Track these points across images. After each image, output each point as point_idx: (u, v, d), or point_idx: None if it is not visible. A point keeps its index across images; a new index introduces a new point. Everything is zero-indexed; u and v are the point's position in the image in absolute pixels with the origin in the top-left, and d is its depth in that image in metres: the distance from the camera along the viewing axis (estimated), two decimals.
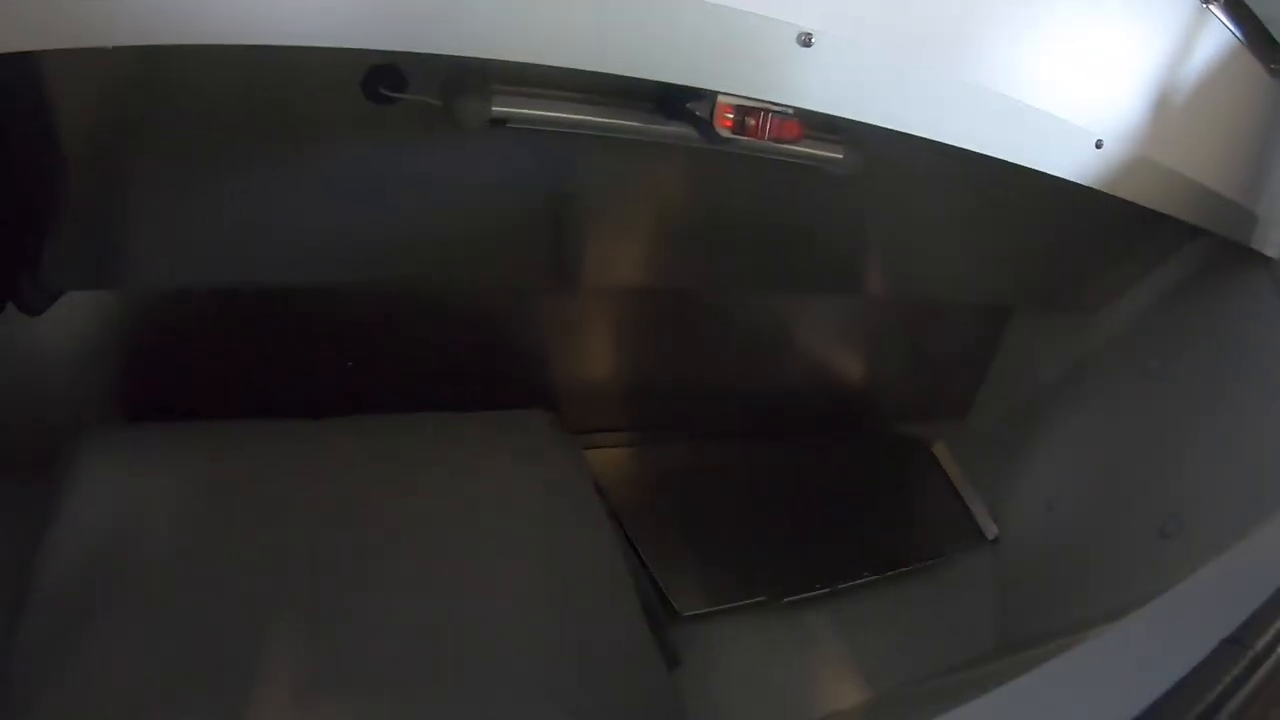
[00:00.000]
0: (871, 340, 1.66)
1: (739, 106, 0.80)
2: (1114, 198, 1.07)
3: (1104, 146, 1.01)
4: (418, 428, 1.17)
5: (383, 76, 0.83)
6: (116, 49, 0.53)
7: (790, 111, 0.82)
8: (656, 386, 1.46)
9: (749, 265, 1.33)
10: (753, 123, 0.80)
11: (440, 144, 0.96)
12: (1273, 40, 1.17)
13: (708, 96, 0.80)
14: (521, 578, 1.04)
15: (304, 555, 0.97)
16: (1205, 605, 0.67)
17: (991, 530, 1.69)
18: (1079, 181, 1.01)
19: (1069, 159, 1.00)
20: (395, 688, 0.90)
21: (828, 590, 1.39)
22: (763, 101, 0.80)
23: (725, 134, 0.80)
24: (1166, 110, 1.08)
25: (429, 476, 1.11)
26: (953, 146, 0.89)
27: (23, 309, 0.93)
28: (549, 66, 0.65)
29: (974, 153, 0.91)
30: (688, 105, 0.82)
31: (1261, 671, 0.53)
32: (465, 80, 0.83)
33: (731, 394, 1.54)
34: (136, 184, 0.92)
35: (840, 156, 0.98)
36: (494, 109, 0.83)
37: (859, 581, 1.44)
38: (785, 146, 0.90)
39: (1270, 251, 1.26)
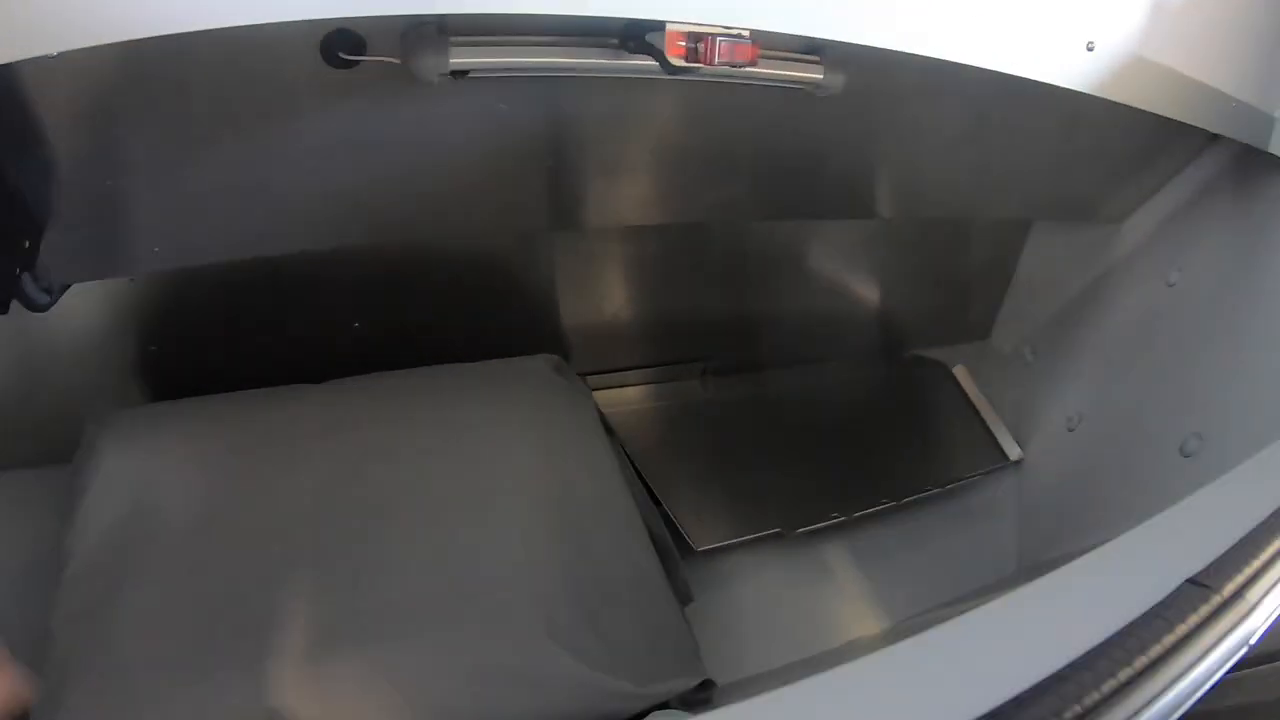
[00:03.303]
0: (888, 264, 1.63)
1: (690, 34, 0.77)
2: (1126, 106, 1.03)
3: (1095, 49, 0.97)
4: (425, 381, 1.18)
5: (340, 41, 0.82)
6: None
7: (746, 35, 0.79)
8: (668, 324, 1.45)
9: (756, 195, 1.30)
10: (704, 49, 0.77)
11: (419, 101, 0.95)
12: None
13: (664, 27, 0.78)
14: (528, 521, 1.04)
15: (318, 513, 1.00)
16: (1172, 543, 0.65)
17: (1015, 452, 1.67)
18: (1072, 87, 0.97)
19: (1059, 65, 0.97)
20: (403, 635, 0.91)
21: (844, 519, 1.38)
22: (714, 26, 0.77)
23: (679, 63, 0.78)
24: (1162, 8, 1.02)
25: (437, 428, 1.11)
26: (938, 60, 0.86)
27: (29, 307, 0.95)
28: (506, 14, 0.63)
29: (964, 67, 0.88)
30: (647, 38, 0.79)
31: (1228, 614, 0.51)
32: (421, 35, 0.81)
33: (744, 327, 1.52)
34: (120, 172, 0.92)
35: (820, 78, 0.95)
36: (452, 61, 0.82)
37: (876, 509, 1.44)
38: (762, 71, 0.88)
39: None
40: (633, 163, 1.19)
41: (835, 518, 1.37)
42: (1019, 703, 0.42)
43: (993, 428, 1.71)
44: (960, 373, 1.76)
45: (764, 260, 1.47)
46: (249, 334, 1.17)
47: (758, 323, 1.52)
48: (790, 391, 1.56)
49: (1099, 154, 1.40)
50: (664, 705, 0.98)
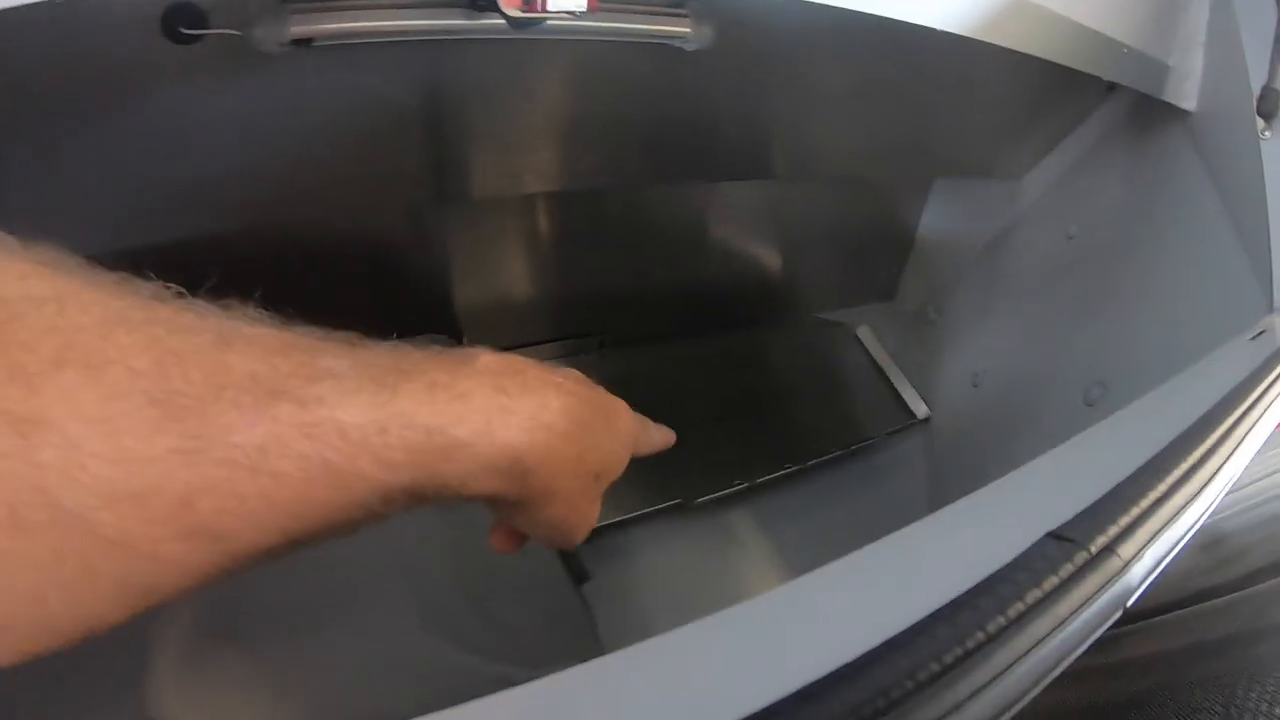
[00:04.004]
0: (788, 228, 1.59)
1: None
2: (1020, 58, 1.01)
3: None
4: None
5: (180, 15, 0.75)
6: None
7: None
8: (563, 297, 1.40)
9: (649, 160, 1.25)
10: None
11: (274, 76, 0.88)
12: None
13: None
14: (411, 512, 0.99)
15: None
16: (1037, 496, 0.63)
17: (922, 410, 1.67)
18: (945, 29, 0.93)
19: (940, 7, 0.92)
20: (276, 632, 0.86)
21: (747, 486, 1.35)
22: None
23: (515, 13, 0.73)
24: None
25: None
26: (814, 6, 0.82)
27: None
28: None
29: (843, 15, 0.84)
30: None
31: (1096, 573, 0.47)
32: (259, 4, 0.75)
33: (643, 297, 1.48)
34: None
35: (687, 30, 0.91)
36: (292, 30, 0.76)
37: (781, 473, 1.41)
38: (623, 25, 0.84)
39: (1185, 104, 1.20)
40: (516, 130, 1.13)
41: (738, 485, 1.34)
42: (860, 665, 0.37)
43: (899, 387, 1.70)
44: (864, 333, 1.75)
45: (661, 228, 1.42)
46: None
47: (656, 292, 1.48)
48: (691, 361, 1.52)
49: (996, 109, 1.39)
50: None
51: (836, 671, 0.36)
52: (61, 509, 0.26)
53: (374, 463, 0.33)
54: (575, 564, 1.12)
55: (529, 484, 0.41)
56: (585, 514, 0.49)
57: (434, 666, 0.88)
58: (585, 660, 0.88)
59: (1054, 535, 0.49)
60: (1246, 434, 0.65)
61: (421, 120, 1.04)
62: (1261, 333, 0.93)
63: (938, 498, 1.57)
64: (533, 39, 0.83)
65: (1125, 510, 0.51)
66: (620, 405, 0.52)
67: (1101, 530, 0.49)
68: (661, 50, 0.95)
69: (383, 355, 0.37)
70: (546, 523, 0.45)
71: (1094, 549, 0.47)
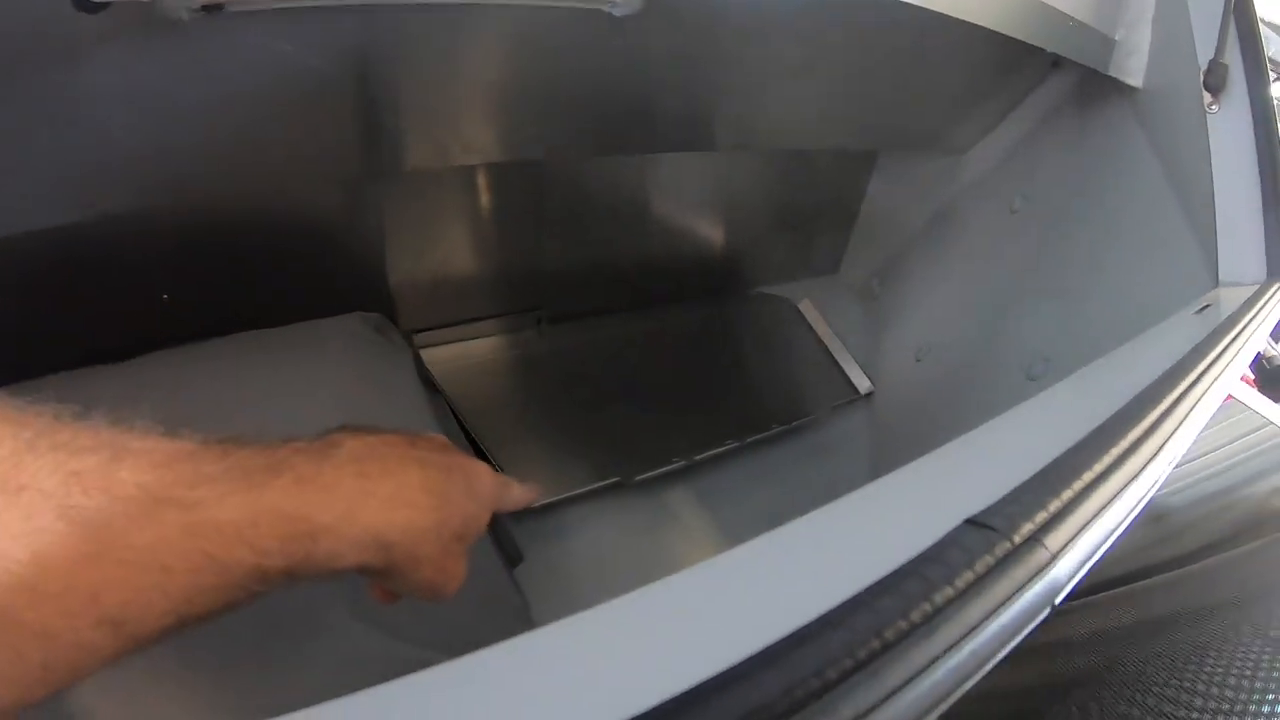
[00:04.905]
0: (730, 201, 1.56)
1: None
2: (966, 30, 0.98)
3: None
4: (229, 352, 1.06)
5: None
6: None
7: None
8: (502, 272, 1.35)
9: (588, 130, 1.21)
10: None
11: (189, 45, 0.83)
12: None
13: None
14: None
15: None
16: (958, 478, 0.57)
17: (865, 385, 1.66)
18: None
19: None
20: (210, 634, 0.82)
21: (686, 463, 1.33)
22: None
23: None
24: None
25: (235, 402, 1.00)
26: None
27: None
28: None
29: None
30: None
31: (1019, 566, 0.42)
32: None
33: (583, 271, 1.44)
34: None
35: None
36: None
37: (720, 450, 1.39)
38: None
39: (1131, 80, 1.18)
40: (446, 101, 1.08)
41: (677, 462, 1.31)
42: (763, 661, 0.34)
43: (841, 362, 1.68)
44: (807, 308, 1.73)
45: (600, 201, 1.38)
46: (37, 315, 1.01)
47: (595, 267, 1.44)
48: (631, 336, 1.49)
49: (941, 82, 1.37)
50: None
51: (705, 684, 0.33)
52: None
53: (250, 551, 0.39)
54: (508, 546, 1.09)
55: (393, 555, 0.47)
56: (451, 573, 0.53)
57: (362, 654, 0.85)
58: None
59: (973, 522, 0.43)
60: (1190, 410, 0.61)
61: (346, 91, 0.98)
62: (1207, 306, 0.92)
63: (879, 475, 1.55)
64: (456, 3, 0.79)
65: (1055, 494, 0.46)
66: (480, 469, 0.58)
67: (1027, 517, 0.44)
68: (591, 16, 0.91)
69: (255, 456, 0.43)
70: (415, 585, 0.51)
71: (1017, 539, 0.42)
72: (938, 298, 1.58)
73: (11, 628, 0.32)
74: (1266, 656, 0.71)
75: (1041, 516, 0.44)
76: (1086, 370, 0.77)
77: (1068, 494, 0.47)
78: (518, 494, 0.67)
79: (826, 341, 1.69)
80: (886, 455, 1.57)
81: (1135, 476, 0.51)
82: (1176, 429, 0.58)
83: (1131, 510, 0.50)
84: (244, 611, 0.41)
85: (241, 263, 1.10)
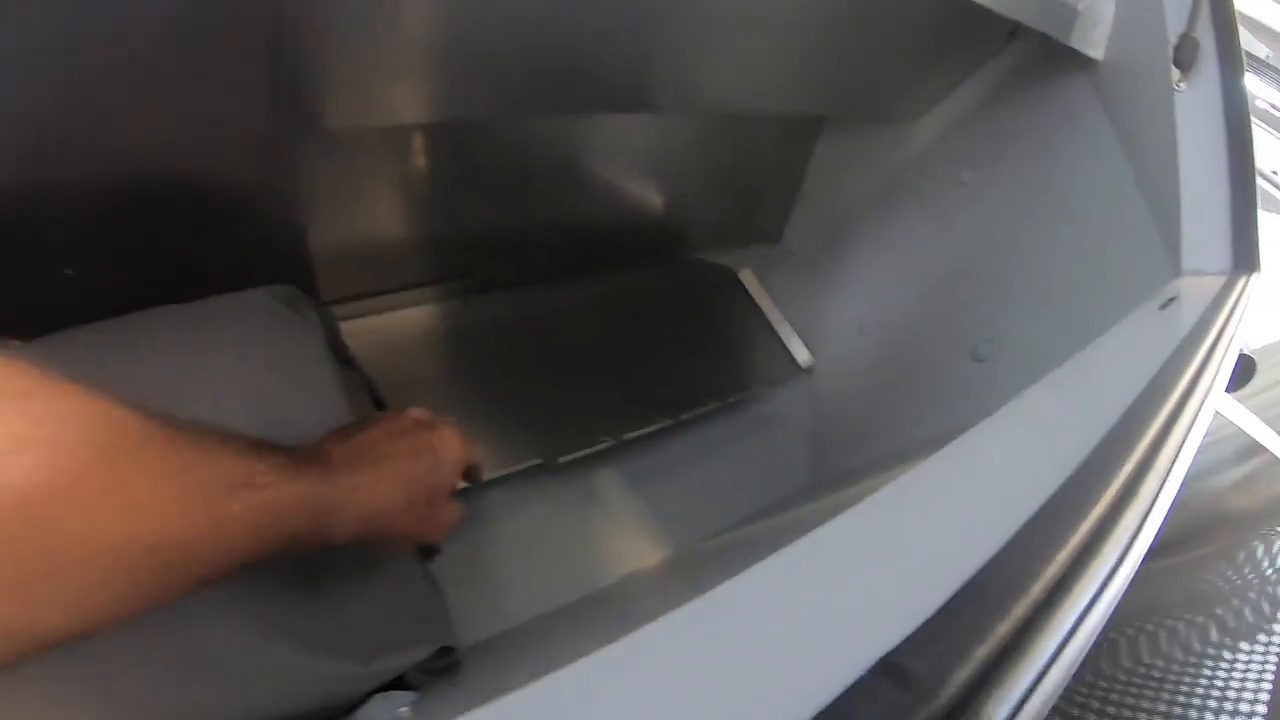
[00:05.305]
0: (672, 165, 1.48)
1: None
2: None
3: None
4: (131, 331, 0.96)
5: None
6: None
7: None
8: (430, 238, 1.26)
9: (522, 88, 1.12)
10: None
11: None
12: None
13: None
14: None
15: None
16: (874, 562, 0.40)
17: (805, 358, 1.60)
18: None
19: None
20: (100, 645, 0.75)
21: (613, 443, 1.26)
22: None
23: None
24: None
25: (138, 379, 0.91)
26: None
27: None
28: None
29: None
30: None
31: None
32: None
33: (517, 236, 1.35)
34: None
35: None
36: None
37: (651, 429, 1.32)
38: None
39: (1092, 52, 1.13)
40: (370, 54, 0.98)
41: (604, 442, 1.24)
42: None
43: (782, 334, 1.63)
44: (747, 277, 1.66)
45: (533, 164, 1.29)
46: None
47: (528, 232, 1.35)
48: (563, 306, 1.41)
49: (894, 47, 1.30)
50: (400, 679, 0.85)
51: None
52: None
53: (286, 525, 0.54)
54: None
55: (375, 530, 0.64)
56: (433, 525, 0.74)
57: (262, 666, 0.77)
58: (432, 644, 0.80)
59: (888, 667, 0.30)
60: (1174, 458, 0.48)
61: (256, 38, 0.88)
62: (1172, 299, 0.86)
63: (819, 453, 1.51)
64: None
65: (1001, 616, 0.33)
66: (444, 441, 0.74)
67: (960, 658, 0.31)
68: None
69: (287, 456, 0.56)
70: (405, 541, 0.72)
71: (943, 699, 0.29)
72: (883, 270, 1.53)
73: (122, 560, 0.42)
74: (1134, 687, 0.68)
75: (978, 655, 0.31)
76: (1045, 386, 0.67)
77: (1015, 613, 0.34)
78: (476, 453, 0.83)
79: (767, 312, 1.63)
80: (825, 434, 1.52)
81: (1114, 570, 0.39)
82: (1159, 490, 0.45)
83: (1102, 621, 0.37)
84: (144, 630, 0.53)
85: (149, 235, 1.00)
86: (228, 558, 0.50)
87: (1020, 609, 0.34)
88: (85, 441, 0.42)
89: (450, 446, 0.74)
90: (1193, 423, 0.53)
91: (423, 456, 0.70)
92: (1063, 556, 0.38)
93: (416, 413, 0.77)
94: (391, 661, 0.84)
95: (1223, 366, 0.63)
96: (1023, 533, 0.39)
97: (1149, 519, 0.42)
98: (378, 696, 0.83)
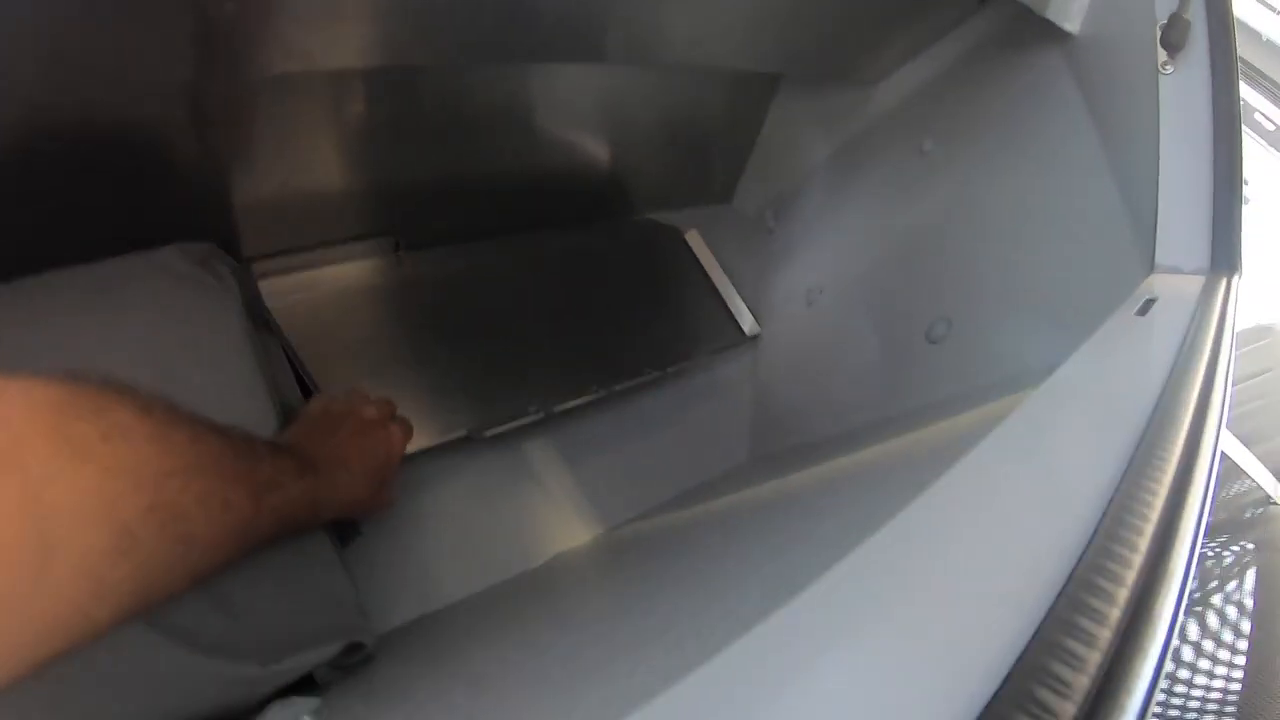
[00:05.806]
0: (619, 118, 1.40)
1: None
2: None
3: None
4: (34, 293, 0.86)
5: None
6: None
7: None
8: (358, 191, 1.17)
9: (461, 33, 1.02)
10: None
11: None
12: None
13: None
14: None
15: None
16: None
17: (751, 326, 1.54)
18: None
19: None
20: None
21: (544, 415, 1.19)
22: None
23: None
24: None
25: (41, 344, 0.82)
26: None
27: None
28: None
29: None
30: None
31: None
32: None
33: (453, 190, 1.27)
34: None
35: None
36: None
37: (585, 400, 1.26)
38: None
39: (1067, 24, 1.06)
40: None
41: (535, 414, 1.17)
42: None
43: (727, 299, 1.56)
44: (694, 239, 1.59)
45: (475, 115, 1.20)
46: None
47: (465, 186, 1.27)
48: (499, 266, 1.33)
49: (858, 4, 1.23)
50: (308, 677, 0.79)
51: None
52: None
53: (296, 513, 0.70)
54: (342, 522, 0.96)
55: (347, 511, 0.84)
56: (381, 500, 0.89)
57: (158, 669, 0.70)
58: (340, 640, 0.74)
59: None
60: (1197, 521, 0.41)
61: None
62: (1150, 300, 0.80)
63: (762, 426, 1.45)
64: None
65: None
66: (397, 435, 0.91)
67: None
68: None
69: (288, 455, 0.71)
70: (370, 510, 0.89)
71: None
72: (835, 238, 1.46)
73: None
74: None
75: None
76: (1021, 420, 0.58)
77: None
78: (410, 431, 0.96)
79: (713, 276, 1.56)
80: (769, 407, 1.47)
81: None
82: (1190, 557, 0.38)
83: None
84: None
85: (63, 190, 0.91)
86: (262, 543, 0.64)
87: None
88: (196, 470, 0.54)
89: (400, 443, 0.91)
90: (1207, 481, 0.45)
91: (379, 453, 0.86)
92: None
93: (370, 411, 0.89)
94: (296, 660, 0.77)
95: (1225, 401, 0.55)
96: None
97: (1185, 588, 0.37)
98: (276, 703, 0.76)
